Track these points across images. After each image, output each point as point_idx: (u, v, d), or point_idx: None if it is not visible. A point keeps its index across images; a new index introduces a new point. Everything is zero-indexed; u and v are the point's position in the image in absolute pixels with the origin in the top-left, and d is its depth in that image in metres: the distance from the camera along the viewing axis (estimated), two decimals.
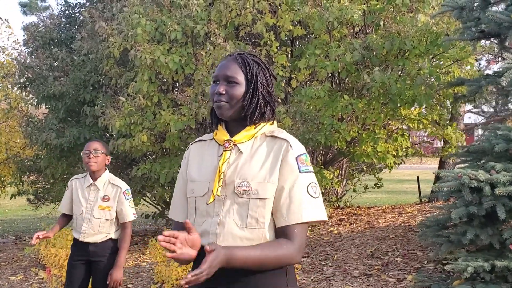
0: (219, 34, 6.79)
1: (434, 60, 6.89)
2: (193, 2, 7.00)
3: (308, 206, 1.97)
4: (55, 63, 9.53)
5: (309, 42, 7.28)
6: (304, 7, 6.51)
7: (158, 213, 10.46)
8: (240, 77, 2.05)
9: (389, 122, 7.71)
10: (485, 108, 14.89)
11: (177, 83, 8.03)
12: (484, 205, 4.69)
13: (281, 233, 1.97)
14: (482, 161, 5.41)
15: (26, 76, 9.80)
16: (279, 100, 7.08)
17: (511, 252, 4.64)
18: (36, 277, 7.75)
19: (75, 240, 4.23)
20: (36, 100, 9.96)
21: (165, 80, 7.72)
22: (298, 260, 1.99)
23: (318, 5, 6.60)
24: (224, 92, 2.03)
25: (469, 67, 7.77)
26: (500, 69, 4.97)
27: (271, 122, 2.13)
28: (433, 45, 6.52)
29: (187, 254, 1.81)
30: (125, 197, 4.17)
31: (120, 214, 4.17)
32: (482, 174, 4.63)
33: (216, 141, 2.13)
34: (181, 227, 2.15)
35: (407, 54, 6.66)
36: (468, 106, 12.88)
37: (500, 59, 9.83)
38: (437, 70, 6.79)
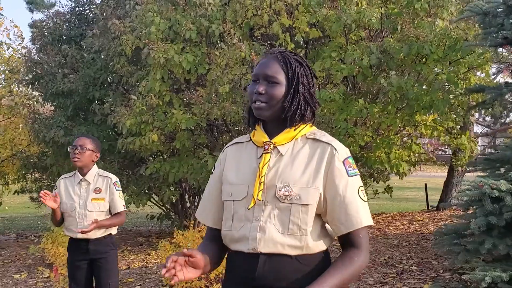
0: (234, 34, 6.70)
1: (452, 66, 6.78)
2: (209, 2, 6.93)
3: (363, 210, 1.91)
4: (63, 60, 9.45)
5: (324, 44, 7.19)
6: (322, 9, 6.42)
7: (163, 215, 10.38)
8: (281, 77, 1.95)
9: (404, 128, 7.60)
10: (487, 117, 14.83)
11: (189, 83, 7.93)
12: (504, 215, 4.60)
13: (345, 240, 1.93)
14: (503, 170, 5.33)
15: (34, 72, 9.71)
16: None
17: None
18: (41, 276, 7.67)
19: (73, 240, 4.19)
20: (43, 97, 9.88)
21: (177, 79, 7.62)
22: (367, 263, 1.96)
23: (335, 7, 6.50)
24: (263, 92, 1.93)
25: (483, 74, 7.69)
26: None
27: (310, 123, 2.04)
28: (452, 50, 6.43)
29: (189, 276, 1.81)
30: (115, 187, 4.20)
31: (111, 204, 4.17)
32: (504, 184, 4.54)
33: (254, 143, 2.03)
34: (210, 231, 2.12)
35: (424, 59, 6.56)
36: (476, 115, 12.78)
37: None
38: (455, 76, 6.69)
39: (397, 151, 7.41)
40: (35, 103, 10.54)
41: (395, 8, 6.86)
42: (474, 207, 5.00)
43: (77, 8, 10.41)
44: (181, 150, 8.12)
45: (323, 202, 1.91)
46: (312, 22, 6.77)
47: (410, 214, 9.73)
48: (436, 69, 6.75)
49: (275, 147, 1.96)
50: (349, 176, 1.92)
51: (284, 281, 1.88)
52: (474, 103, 7.58)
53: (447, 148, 10.23)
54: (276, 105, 1.94)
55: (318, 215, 1.93)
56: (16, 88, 11.38)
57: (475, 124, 11.64)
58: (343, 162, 1.93)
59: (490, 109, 6.64)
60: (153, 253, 8.76)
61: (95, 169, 4.19)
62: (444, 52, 6.45)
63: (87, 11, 10.41)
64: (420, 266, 5.79)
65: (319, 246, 1.92)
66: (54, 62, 9.29)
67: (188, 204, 10.53)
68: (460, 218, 5.33)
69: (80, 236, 4.05)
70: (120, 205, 4.19)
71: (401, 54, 6.35)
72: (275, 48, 2.12)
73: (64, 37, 9.97)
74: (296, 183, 1.90)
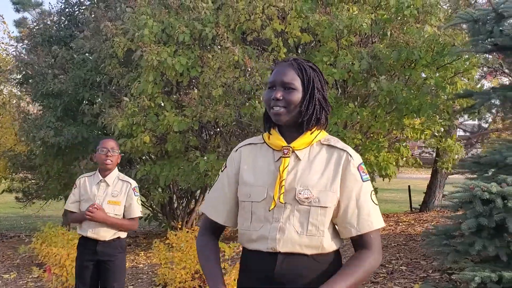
0: (227, 38, 6.79)
1: (439, 71, 6.94)
2: (202, 5, 7.00)
3: (375, 213, 2.03)
4: (53, 61, 9.46)
5: (315, 49, 7.30)
6: (314, 15, 6.54)
7: (151, 216, 10.42)
8: (297, 83, 2.04)
9: (392, 131, 7.75)
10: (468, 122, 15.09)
11: (181, 85, 8.01)
12: (494, 217, 4.75)
13: (357, 242, 2.03)
14: (491, 173, 5.49)
15: (24, 72, 9.71)
16: None
17: None
18: (31, 276, 7.67)
19: (83, 240, 4.21)
20: (32, 97, 9.88)
21: (169, 81, 7.69)
22: (379, 263, 2.05)
23: (327, 13, 6.62)
24: (281, 98, 2.02)
25: (468, 79, 7.86)
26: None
27: (323, 128, 2.14)
28: (440, 55, 6.59)
29: None
30: (134, 193, 4.24)
31: (128, 210, 4.21)
32: (494, 186, 4.69)
33: (269, 146, 2.12)
34: (215, 225, 2.20)
35: (413, 64, 6.71)
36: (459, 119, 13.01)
37: (497, 73, 9.95)
38: (442, 81, 6.86)
39: (385, 154, 7.56)
40: (24, 103, 10.53)
41: (384, 14, 7.00)
42: (464, 208, 5.16)
43: (66, 9, 10.41)
44: (171, 152, 8.18)
45: (337, 205, 2.01)
46: (304, 27, 6.88)
47: (395, 215, 9.89)
48: (424, 74, 6.91)
49: (293, 151, 2.06)
50: (363, 181, 2.03)
51: (300, 279, 1.97)
52: (458, 107, 7.80)
53: (433, 151, 10.41)
54: (293, 110, 2.03)
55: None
56: (3, 87, 11.36)
57: (457, 128, 11.85)
58: (358, 168, 2.04)
59: (476, 114, 6.81)
60: (142, 253, 8.80)
61: (116, 172, 4.25)
62: (432, 57, 6.61)
63: (77, 12, 10.41)
64: (410, 266, 5.92)
65: (333, 246, 2.02)
66: (45, 63, 9.29)
67: (176, 205, 10.59)
68: (449, 219, 5.47)
69: (91, 235, 4.10)
70: (137, 210, 4.24)
71: (391, 59, 6.49)
72: (287, 57, 2.21)
73: (54, 38, 9.97)
74: (315, 186, 1.99)
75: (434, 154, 10.54)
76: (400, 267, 5.89)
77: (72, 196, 4.25)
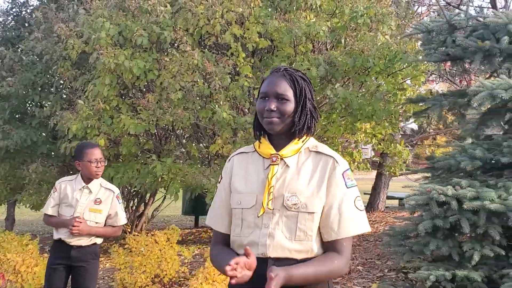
0: (186, 42, 6.82)
1: (390, 77, 7.21)
2: (160, 9, 7.00)
3: (356, 219, 2.09)
4: (0, 62, 9.19)
5: (273, 54, 7.43)
6: (273, 21, 6.67)
7: None
8: (290, 94, 2.11)
9: (345, 135, 7.98)
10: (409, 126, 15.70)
11: (136, 89, 7.97)
12: (449, 218, 5.00)
13: (330, 246, 2.08)
14: (443, 176, 5.77)
15: None
16: (246, 110, 7.19)
17: (469, 263, 4.97)
18: None
19: (58, 243, 4.15)
20: None
21: (125, 84, 7.64)
22: (346, 271, 2.14)
23: (286, 20, 6.77)
24: (275, 109, 2.09)
25: (416, 85, 8.19)
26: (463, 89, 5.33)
27: (311, 135, 2.22)
28: (391, 63, 6.85)
29: (246, 276, 1.90)
30: (118, 201, 4.19)
31: (114, 218, 4.16)
32: (450, 189, 4.93)
33: (260, 154, 2.19)
34: (224, 236, 2.23)
35: (367, 71, 6.95)
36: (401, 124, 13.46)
37: (440, 79, 10.42)
38: (393, 87, 7.13)
39: None
40: None
41: (338, 22, 7.21)
42: (420, 210, 5.40)
43: (13, 10, 10.14)
44: (126, 155, 8.13)
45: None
46: (262, 33, 7.00)
47: None
48: (377, 80, 7.16)
49: (281, 159, 2.13)
50: (347, 188, 2.11)
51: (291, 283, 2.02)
52: (406, 112, 8.12)
53: (381, 156, 10.76)
54: (286, 119, 2.10)
55: None
56: None
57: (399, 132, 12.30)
58: (343, 174, 2.12)
59: (426, 118, 7.12)
60: (102, 259, 8.66)
61: (99, 179, 4.17)
62: (385, 64, 6.87)
63: (24, 12, 10.16)
64: (366, 266, 6.13)
65: (320, 250, 2.09)
66: None
67: (125, 209, 10.49)
68: (406, 220, 5.71)
69: (68, 239, 4.02)
70: (123, 217, 4.20)
71: (347, 66, 6.69)
72: (279, 66, 2.29)
73: (0, 39, 9.69)
74: (303, 193, 2.07)
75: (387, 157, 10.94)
76: (357, 267, 6.09)
77: (52, 200, 4.15)
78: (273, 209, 2.06)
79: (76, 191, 4.08)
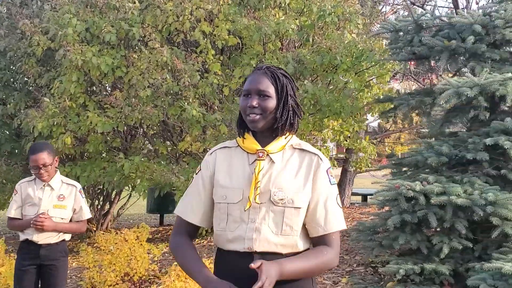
0: (154, 39, 6.79)
1: (358, 75, 7.34)
2: (129, 5, 6.95)
3: (339, 215, 2.16)
4: None
5: (242, 52, 7.47)
6: (243, 19, 6.70)
7: None
8: (272, 91, 2.14)
9: (312, 133, 8.07)
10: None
11: (103, 85, 7.89)
12: (417, 213, 5.13)
13: (320, 241, 2.13)
14: (410, 172, 5.90)
15: None
16: (216, 107, 7.20)
17: (437, 256, 5.11)
18: None
19: (25, 243, 4.10)
20: None
21: (92, 81, 7.56)
22: (336, 263, 2.17)
23: (255, 18, 6.81)
24: (257, 105, 2.12)
25: (381, 84, 8.36)
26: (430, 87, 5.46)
27: (294, 132, 2.27)
28: (358, 60, 6.97)
29: None
30: (81, 195, 4.18)
31: (79, 213, 4.15)
32: (418, 185, 5.06)
33: (244, 149, 2.22)
34: (190, 227, 2.26)
35: (335, 69, 7.05)
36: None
37: (404, 78, 10.61)
38: (361, 84, 7.25)
39: None
40: None
41: (307, 21, 7.29)
42: (389, 205, 5.52)
43: None
44: (92, 153, 8.05)
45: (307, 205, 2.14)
46: (232, 30, 7.02)
47: None
48: (344, 78, 7.27)
49: (267, 154, 2.17)
50: (331, 184, 2.17)
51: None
52: (369, 109, 8.28)
53: (347, 152, 10.92)
54: (268, 116, 2.13)
55: None
56: None
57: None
58: (327, 172, 2.18)
59: (392, 117, 7.25)
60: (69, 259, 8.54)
61: (58, 175, 4.12)
62: (352, 62, 6.98)
63: None
64: None
65: (304, 245, 2.14)
66: None
67: (90, 207, 10.36)
68: (375, 216, 5.83)
69: (36, 239, 3.99)
70: (86, 213, 4.18)
71: (315, 63, 6.78)
72: (261, 64, 2.34)
73: None
74: (289, 188, 2.11)
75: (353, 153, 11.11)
76: None
77: (15, 203, 4.10)
78: (260, 203, 2.09)
79: (38, 190, 4.05)
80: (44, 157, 3.94)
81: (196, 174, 2.30)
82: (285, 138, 2.20)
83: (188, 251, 2.20)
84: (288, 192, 2.10)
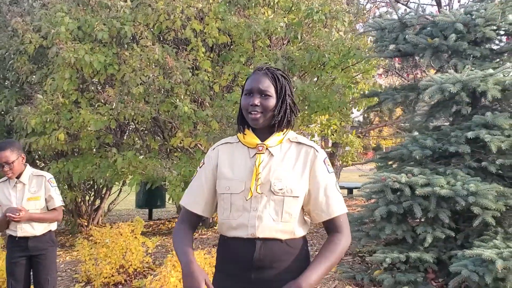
0: (146, 37, 6.94)
1: (345, 71, 7.54)
2: (120, 4, 7.08)
3: (340, 200, 2.35)
4: None
5: (232, 49, 7.64)
6: (232, 17, 6.87)
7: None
8: (272, 90, 2.32)
9: (301, 128, 8.27)
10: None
11: (95, 83, 8.01)
12: (403, 204, 5.36)
13: (329, 226, 2.32)
14: (395, 165, 6.13)
15: None
16: (207, 104, 7.37)
17: (421, 245, 5.34)
18: None
19: (12, 237, 4.26)
20: None
21: (84, 79, 7.69)
22: (349, 242, 2.35)
23: (244, 16, 6.98)
24: (259, 104, 2.30)
25: (367, 79, 8.59)
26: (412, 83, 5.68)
27: (291, 128, 2.46)
28: (346, 57, 7.17)
29: None
30: (50, 184, 4.30)
31: (50, 201, 4.29)
32: (404, 177, 5.29)
33: (244, 144, 2.40)
34: (192, 216, 2.44)
35: (323, 66, 7.25)
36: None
37: (388, 74, 10.86)
38: (348, 80, 7.46)
39: None
40: None
41: (295, 19, 7.48)
42: (376, 197, 5.74)
43: None
44: (84, 149, 8.18)
45: (307, 194, 2.32)
46: (221, 28, 7.19)
47: None
48: (332, 74, 7.48)
49: (266, 148, 2.35)
50: (328, 173, 2.35)
51: (276, 262, 2.26)
52: (355, 104, 8.50)
53: (333, 146, 11.15)
54: (268, 114, 2.31)
55: (301, 207, 2.34)
56: None
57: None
58: (324, 162, 2.36)
59: (378, 111, 7.49)
60: (61, 253, 8.67)
61: (28, 169, 4.25)
62: (339, 59, 7.19)
63: None
64: None
65: (302, 231, 2.34)
66: None
67: (81, 203, 10.47)
68: (358, 208, 6.05)
69: (21, 234, 4.16)
70: (57, 200, 4.30)
71: (304, 61, 6.97)
72: (260, 65, 2.52)
73: None
74: (288, 178, 2.28)
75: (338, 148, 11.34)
76: (315, 253, 6.37)
77: None
78: (261, 193, 2.26)
79: (11, 189, 4.20)
80: (7, 154, 4.06)
81: (199, 167, 2.48)
82: (283, 133, 2.38)
83: (183, 237, 2.39)
84: (287, 182, 2.27)
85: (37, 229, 4.22)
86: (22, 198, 4.17)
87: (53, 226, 4.37)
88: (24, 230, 4.18)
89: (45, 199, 4.26)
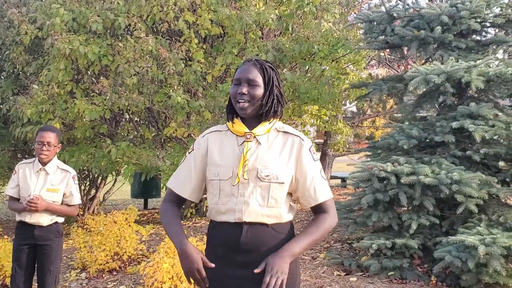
0: (140, 28, 7.05)
1: (334, 62, 7.67)
2: None
3: (325, 186, 2.48)
4: None
5: (224, 41, 7.75)
6: (225, 9, 6.98)
7: None
8: (260, 80, 2.42)
9: (292, 118, 8.41)
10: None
11: (89, 73, 8.13)
12: (389, 192, 5.52)
13: (317, 210, 2.45)
14: (383, 155, 6.29)
15: None
16: (199, 94, 7.50)
17: (407, 232, 5.51)
18: None
19: (21, 224, 4.35)
20: None
21: (79, 69, 7.80)
22: (336, 222, 2.49)
23: (236, 8, 7.10)
24: (246, 92, 2.40)
25: (357, 70, 8.71)
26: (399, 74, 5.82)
27: (278, 118, 2.59)
28: (335, 48, 7.29)
29: None
30: (73, 181, 4.37)
31: (69, 197, 4.35)
32: (389, 166, 5.44)
33: (233, 132, 2.50)
34: (178, 198, 2.57)
35: (312, 57, 7.37)
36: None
37: (379, 65, 10.98)
38: (337, 71, 7.59)
39: None
40: None
41: (286, 10, 7.60)
42: (363, 185, 5.90)
43: None
44: (80, 139, 8.30)
45: (295, 182, 2.44)
46: (214, 20, 7.31)
47: None
48: (321, 65, 7.60)
49: (254, 137, 2.47)
50: (314, 161, 2.48)
51: (262, 246, 2.38)
52: (347, 95, 8.65)
53: (325, 134, 11.28)
54: (256, 103, 2.42)
55: (289, 193, 2.45)
56: None
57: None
58: (309, 150, 2.48)
59: (368, 101, 7.63)
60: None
61: (55, 160, 4.31)
62: (329, 50, 7.31)
63: None
64: None
65: (288, 217, 2.45)
66: None
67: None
68: (351, 196, 6.21)
69: (29, 220, 4.25)
70: (76, 198, 4.37)
71: (294, 52, 7.09)
72: (250, 57, 2.64)
73: None
74: (274, 166, 2.40)
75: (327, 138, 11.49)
76: None
77: (12, 182, 4.36)
78: (248, 179, 2.38)
79: (34, 173, 4.28)
80: (51, 136, 4.19)
81: (188, 153, 2.60)
82: (270, 122, 2.50)
83: (173, 216, 2.51)
84: (273, 169, 2.38)
85: (44, 220, 4.28)
86: (42, 187, 4.23)
87: (60, 218, 4.41)
88: (31, 217, 4.24)
89: (64, 193, 4.32)
